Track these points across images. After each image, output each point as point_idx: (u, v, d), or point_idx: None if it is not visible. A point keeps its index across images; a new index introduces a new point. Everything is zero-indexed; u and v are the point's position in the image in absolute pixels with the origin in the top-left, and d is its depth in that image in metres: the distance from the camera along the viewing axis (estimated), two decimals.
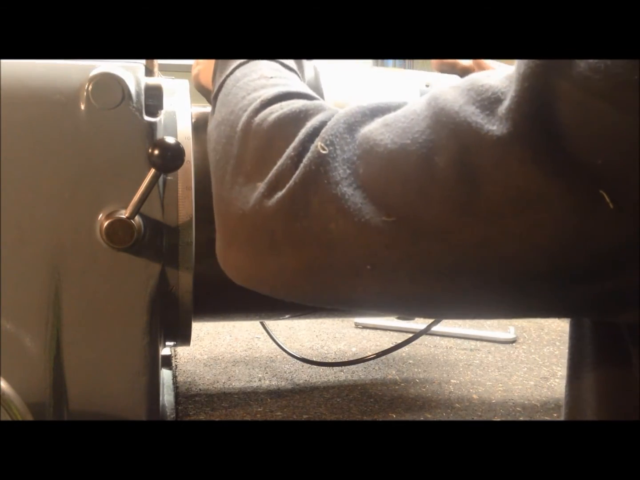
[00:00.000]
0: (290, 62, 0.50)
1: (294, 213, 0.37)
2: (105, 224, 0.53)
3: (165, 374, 0.80)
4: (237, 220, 0.41)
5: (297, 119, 0.40)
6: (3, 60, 0.54)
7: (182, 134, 0.59)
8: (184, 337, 0.64)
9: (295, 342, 0.97)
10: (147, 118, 0.55)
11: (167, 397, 0.74)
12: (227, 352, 0.91)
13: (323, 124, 0.39)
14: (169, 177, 0.57)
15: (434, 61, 0.69)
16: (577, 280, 0.32)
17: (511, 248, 0.32)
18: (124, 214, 0.53)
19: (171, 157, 0.52)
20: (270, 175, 0.39)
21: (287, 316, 0.74)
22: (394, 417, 0.72)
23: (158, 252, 0.56)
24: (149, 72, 0.59)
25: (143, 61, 0.58)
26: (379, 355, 0.82)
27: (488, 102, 0.32)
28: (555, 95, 0.29)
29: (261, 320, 0.81)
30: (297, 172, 0.37)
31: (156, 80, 0.59)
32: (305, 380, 0.81)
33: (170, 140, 0.52)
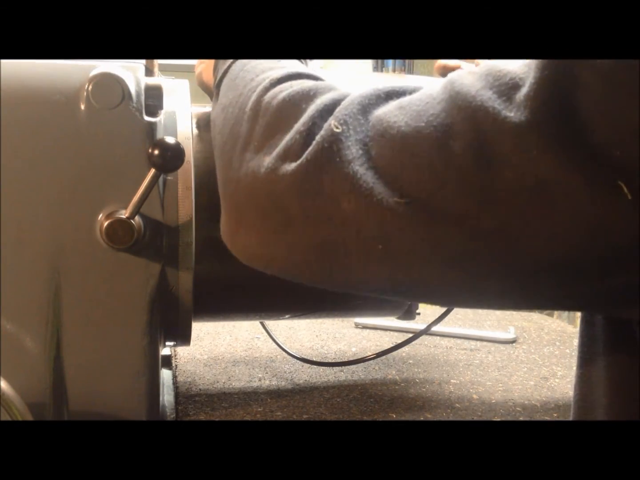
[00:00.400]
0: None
1: (306, 190, 0.37)
2: (105, 224, 0.53)
3: (165, 374, 0.80)
4: (247, 198, 0.40)
5: (307, 96, 0.40)
6: (3, 60, 0.54)
7: (182, 134, 0.59)
8: (184, 337, 0.64)
9: (295, 342, 0.97)
10: (147, 118, 0.55)
11: (167, 397, 0.74)
12: (227, 352, 0.91)
13: (335, 102, 0.38)
14: (169, 177, 0.57)
15: (437, 65, 0.69)
16: (590, 274, 0.32)
17: (527, 237, 0.32)
18: (124, 214, 0.53)
19: (171, 157, 0.52)
20: (278, 149, 0.38)
21: (287, 316, 0.74)
22: (394, 417, 0.72)
23: (158, 252, 0.56)
24: (149, 72, 0.59)
25: (143, 61, 0.58)
26: (379, 355, 0.82)
27: (505, 87, 0.32)
28: (577, 84, 0.29)
29: (261, 320, 0.81)
30: (310, 149, 0.37)
31: (156, 80, 0.59)
32: (305, 380, 0.81)
33: (170, 140, 0.52)
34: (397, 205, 0.34)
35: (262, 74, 0.44)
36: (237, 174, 0.41)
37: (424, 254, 0.34)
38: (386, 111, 0.36)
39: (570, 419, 0.45)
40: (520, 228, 0.32)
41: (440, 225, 0.33)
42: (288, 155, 0.38)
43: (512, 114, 0.31)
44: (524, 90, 0.31)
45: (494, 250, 0.33)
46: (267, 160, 0.39)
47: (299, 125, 0.38)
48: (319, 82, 0.41)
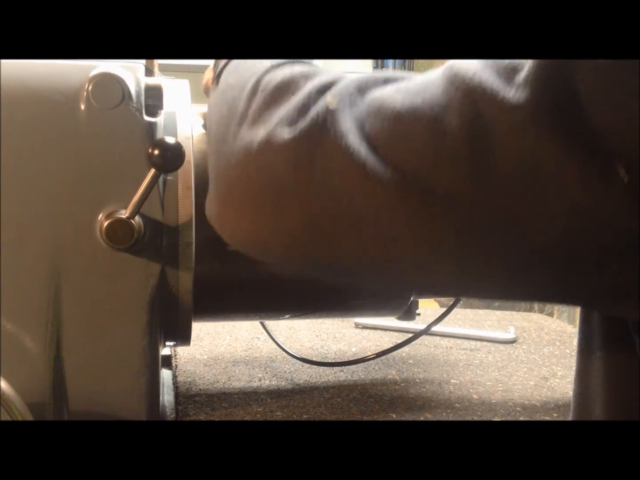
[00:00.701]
0: None
1: (299, 163, 0.36)
2: (105, 224, 0.53)
3: (165, 374, 0.80)
4: (238, 171, 0.40)
5: (306, 75, 0.40)
6: (3, 60, 0.54)
7: (182, 134, 0.59)
8: (184, 337, 0.64)
9: (295, 342, 0.97)
10: (147, 118, 0.55)
11: (167, 397, 0.74)
12: (227, 352, 0.91)
13: (333, 80, 0.39)
14: (169, 177, 0.57)
15: None
16: (588, 261, 0.32)
17: (520, 218, 0.31)
18: (124, 214, 0.53)
19: (171, 157, 0.52)
20: (272, 121, 0.38)
21: (287, 316, 0.74)
22: (394, 417, 0.72)
23: (158, 252, 0.56)
24: (149, 72, 0.59)
25: (143, 61, 0.58)
26: (379, 355, 0.82)
27: (504, 70, 0.31)
28: (577, 68, 0.29)
29: (261, 320, 0.81)
30: (304, 122, 0.37)
31: (156, 80, 0.59)
32: (305, 380, 0.81)
33: (170, 140, 0.52)
34: (389, 181, 0.33)
35: (265, 62, 0.44)
36: (231, 148, 0.41)
37: (415, 231, 0.34)
38: (383, 92, 0.36)
39: (570, 413, 0.45)
40: (513, 210, 0.31)
41: (431, 203, 0.33)
42: (282, 127, 0.38)
43: (510, 95, 0.30)
44: (523, 73, 0.30)
45: (488, 231, 0.32)
46: (261, 132, 0.39)
47: (295, 99, 0.38)
48: (319, 68, 0.42)
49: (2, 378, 0.46)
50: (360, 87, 0.37)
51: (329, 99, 0.37)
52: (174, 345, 0.71)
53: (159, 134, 0.56)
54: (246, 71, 0.45)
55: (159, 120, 0.57)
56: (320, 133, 0.36)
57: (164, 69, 0.66)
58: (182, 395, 0.75)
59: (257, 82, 0.42)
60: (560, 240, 0.31)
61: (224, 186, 0.41)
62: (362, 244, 0.36)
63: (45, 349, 0.54)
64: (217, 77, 0.50)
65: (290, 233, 0.38)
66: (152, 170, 0.52)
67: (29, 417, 0.46)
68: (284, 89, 0.40)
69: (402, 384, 0.82)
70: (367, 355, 0.83)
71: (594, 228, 0.30)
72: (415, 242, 0.34)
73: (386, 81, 0.38)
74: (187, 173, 0.58)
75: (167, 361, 0.84)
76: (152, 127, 0.55)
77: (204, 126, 0.64)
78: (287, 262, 0.40)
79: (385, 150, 0.34)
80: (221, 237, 0.44)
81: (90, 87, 0.53)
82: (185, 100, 0.62)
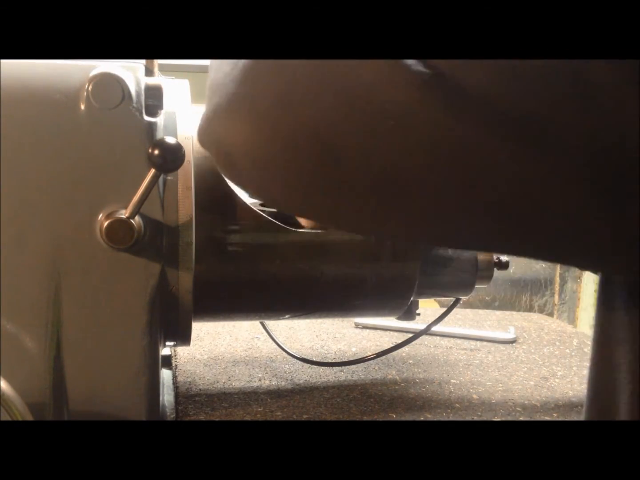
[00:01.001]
0: None
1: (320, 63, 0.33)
2: (105, 224, 0.53)
3: (165, 374, 0.80)
4: (248, 73, 0.37)
5: None
6: (3, 60, 0.54)
7: (182, 134, 0.59)
8: (184, 337, 0.64)
9: (295, 342, 0.97)
10: (147, 118, 0.55)
11: (167, 397, 0.74)
12: (227, 352, 0.91)
13: None
14: (169, 177, 0.57)
15: None
16: (603, 192, 0.29)
17: (550, 125, 0.29)
18: (124, 214, 0.53)
19: (171, 157, 0.52)
20: None
21: (287, 316, 0.74)
22: (394, 417, 0.72)
23: (158, 252, 0.56)
24: (149, 72, 0.59)
25: (143, 61, 0.58)
26: (379, 355, 0.82)
27: None
28: None
29: (261, 320, 0.81)
30: None
31: (156, 80, 0.59)
32: (305, 380, 0.81)
33: (170, 140, 0.52)
34: (419, 76, 0.31)
35: None
36: (239, 60, 0.37)
37: (436, 129, 0.31)
38: None
39: (584, 408, 0.43)
40: (549, 118, 0.29)
41: (460, 100, 0.30)
42: None
43: None
44: None
45: (517, 139, 0.30)
46: None
47: None
48: None
49: (2, 378, 0.46)
50: None
51: None
52: (174, 345, 0.71)
53: (159, 134, 0.56)
54: None
55: (159, 120, 0.57)
56: None
57: (164, 69, 0.66)
58: (182, 395, 0.75)
59: None
60: (599, 150, 0.29)
61: (227, 92, 0.37)
62: (374, 150, 0.32)
63: (45, 349, 0.54)
64: None
65: (293, 134, 0.34)
66: (152, 170, 0.52)
67: (29, 417, 0.46)
68: None
69: (402, 384, 0.82)
70: (367, 355, 0.83)
71: (618, 139, 0.29)
72: (433, 143, 0.31)
73: None
74: (187, 173, 0.58)
75: (167, 361, 0.84)
76: (152, 127, 0.55)
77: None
78: (278, 177, 0.35)
79: None
80: (220, 237, 0.44)
81: (90, 87, 0.53)
82: (185, 100, 0.62)
